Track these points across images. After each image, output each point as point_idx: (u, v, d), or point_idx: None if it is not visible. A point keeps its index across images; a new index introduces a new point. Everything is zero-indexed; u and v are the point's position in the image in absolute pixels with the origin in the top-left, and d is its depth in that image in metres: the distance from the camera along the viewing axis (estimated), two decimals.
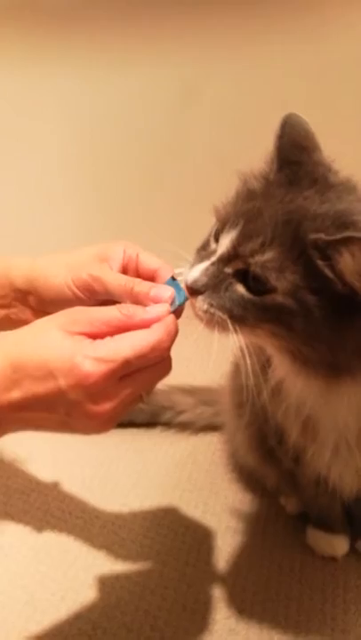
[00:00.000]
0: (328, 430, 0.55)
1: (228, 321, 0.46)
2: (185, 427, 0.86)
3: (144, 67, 1.07)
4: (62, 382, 0.42)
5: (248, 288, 0.46)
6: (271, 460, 0.67)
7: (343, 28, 1.01)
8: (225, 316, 0.46)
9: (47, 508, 0.72)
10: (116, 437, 0.86)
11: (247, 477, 0.76)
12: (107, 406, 0.43)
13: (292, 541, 0.68)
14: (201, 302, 0.47)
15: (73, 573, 0.64)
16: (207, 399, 0.85)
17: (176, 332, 0.46)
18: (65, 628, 0.58)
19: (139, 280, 0.49)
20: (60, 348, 0.42)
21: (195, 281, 0.47)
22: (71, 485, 0.76)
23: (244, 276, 0.46)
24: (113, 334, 0.44)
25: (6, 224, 1.15)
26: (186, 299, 0.48)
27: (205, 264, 0.48)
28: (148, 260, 0.52)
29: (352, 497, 0.62)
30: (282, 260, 0.44)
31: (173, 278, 0.50)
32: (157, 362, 0.45)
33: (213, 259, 0.48)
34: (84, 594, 0.61)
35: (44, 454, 0.81)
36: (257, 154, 0.52)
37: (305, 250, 0.44)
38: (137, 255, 0.52)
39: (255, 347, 0.50)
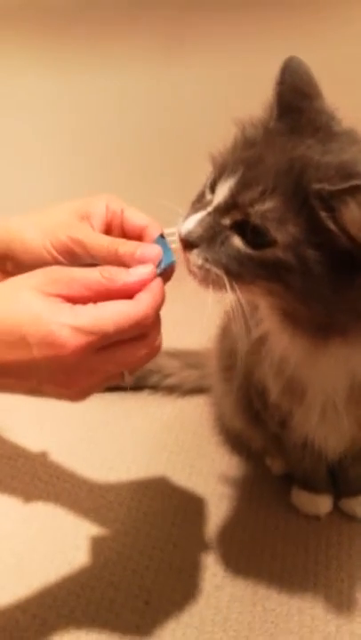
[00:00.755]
0: (315, 392, 0.54)
1: (225, 278, 0.43)
2: (172, 390, 0.85)
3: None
4: (35, 351, 0.39)
5: (246, 241, 0.43)
6: (257, 424, 0.67)
7: (342, 26, 0.99)
8: (221, 272, 0.43)
9: (34, 472, 0.73)
10: (103, 401, 0.86)
11: (233, 440, 0.77)
12: (81, 379, 0.41)
13: (276, 501, 0.69)
14: (195, 257, 0.44)
15: (61, 536, 0.65)
16: (194, 362, 0.85)
17: (162, 302, 0.43)
18: (54, 589, 0.59)
19: (123, 240, 0.45)
20: (36, 311, 0.39)
21: (189, 233, 0.44)
22: (58, 450, 0.76)
23: (241, 228, 0.43)
24: (93, 299, 0.41)
25: None
26: (174, 260, 0.44)
27: (201, 214, 0.45)
28: (135, 217, 0.48)
29: (336, 458, 0.63)
30: (283, 211, 0.42)
31: (162, 236, 0.46)
32: (139, 336, 0.41)
33: (209, 209, 0.45)
34: (73, 555, 0.62)
35: (30, 419, 0.81)
36: (255, 102, 0.49)
37: (307, 201, 0.41)
38: (122, 211, 0.48)
39: (249, 305, 0.47)
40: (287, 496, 0.69)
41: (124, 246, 0.44)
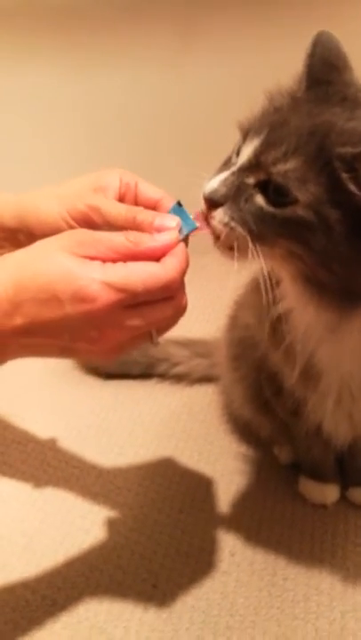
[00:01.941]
0: (331, 377, 0.54)
1: (248, 237, 0.44)
2: (180, 378, 0.86)
3: None
4: (68, 307, 0.39)
5: (268, 200, 0.44)
6: (266, 412, 0.67)
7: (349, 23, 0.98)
8: (245, 232, 0.44)
9: (44, 457, 0.74)
10: (112, 389, 0.87)
11: (242, 428, 0.77)
12: (111, 335, 0.42)
13: (284, 490, 0.70)
14: (222, 214, 0.44)
15: (70, 520, 0.66)
16: (202, 351, 0.85)
17: (187, 266, 0.43)
18: (63, 570, 0.60)
19: (141, 208, 0.46)
20: (66, 268, 0.40)
21: (214, 191, 0.44)
22: (68, 435, 0.77)
23: (265, 187, 0.44)
24: (118, 261, 0.41)
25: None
26: (194, 227, 0.45)
27: (225, 174, 0.45)
28: (149, 190, 0.49)
29: (345, 446, 0.63)
30: (305, 171, 0.42)
31: (180, 204, 0.47)
32: (167, 297, 0.42)
33: (233, 169, 0.45)
34: (82, 539, 0.63)
35: (41, 405, 0.82)
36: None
37: (329, 162, 0.42)
38: (135, 184, 0.49)
39: (273, 273, 0.47)
40: (294, 485, 0.70)
41: (142, 214, 0.45)
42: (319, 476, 0.68)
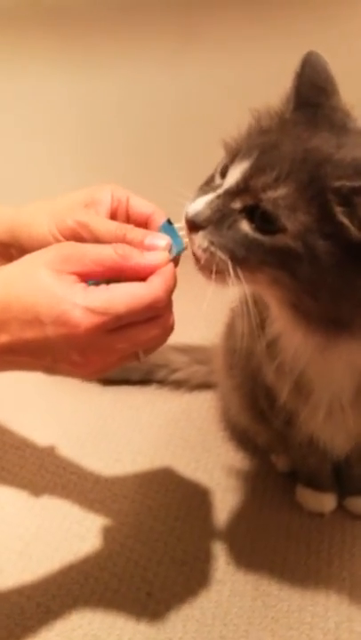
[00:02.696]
0: (322, 392, 0.54)
1: (229, 263, 0.43)
2: (179, 385, 0.86)
3: None
4: (50, 330, 0.40)
5: (254, 226, 0.43)
6: (263, 421, 0.67)
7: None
8: (225, 257, 0.43)
9: (42, 462, 0.74)
10: (111, 394, 0.87)
11: (239, 436, 0.77)
12: (94, 358, 0.42)
13: (280, 498, 0.70)
14: (201, 239, 0.43)
15: (67, 526, 0.66)
16: (201, 358, 0.85)
17: (174, 286, 0.43)
18: (58, 577, 0.60)
19: (131, 226, 0.45)
20: (50, 291, 0.40)
21: (196, 214, 0.43)
22: (66, 441, 0.77)
23: (251, 212, 0.43)
24: (105, 275, 0.42)
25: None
26: (184, 248, 0.45)
27: (210, 196, 0.44)
28: (140, 205, 0.48)
29: (342, 456, 0.63)
30: (295, 199, 0.41)
31: (170, 223, 0.46)
32: (152, 317, 0.42)
33: (220, 191, 0.44)
34: (77, 546, 0.64)
35: (39, 410, 0.82)
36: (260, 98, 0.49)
37: (321, 193, 0.41)
38: (127, 199, 0.49)
39: (255, 297, 0.47)
40: (291, 493, 0.69)
41: (132, 232, 0.45)
42: (316, 484, 0.68)
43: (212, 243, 0.43)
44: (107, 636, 0.55)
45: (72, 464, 0.74)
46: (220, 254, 0.43)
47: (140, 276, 0.42)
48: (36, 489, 0.71)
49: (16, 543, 0.64)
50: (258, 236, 0.43)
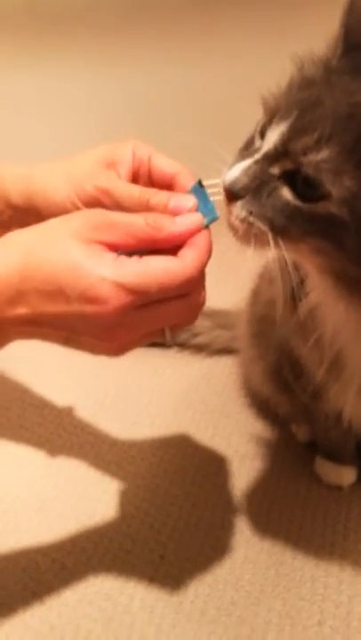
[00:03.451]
0: (356, 368, 0.51)
1: (270, 234, 0.40)
2: (200, 349, 0.84)
3: None
4: (74, 305, 0.37)
5: (296, 193, 0.39)
6: (285, 391, 0.65)
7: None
8: (265, 228, 0.39)
9: (60, 422, 0.74)
10: (132, 356, 0.84)
11: (260, 403, 0.75)
12: (120, 335, 0.39)
13: (299, 468, 0.68)
14: (239, 209, 0.40)
15: (83, 486, 0.66)
16: (224, 322, 0.83)
17: (209, 258, 0.40)
18: (73, 535, 0.61)
19: (155, 190, 0.42)
20: (76, 262, 0.37)
21: (233, 182, 0.40)
22: (85, 402, 0.77)
23: (292, 178, 0.39)
24: (137, 247, 0.39)
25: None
26: (215, 217, 0.41)
27: (247, 162, 0.40)
28: (164, 164, 0.45)
29: None
30: (340, 162, 0.37)
31: (201, 185, 0.43)
32: (183, 294, 0.40)
33: (257, 156, 0.40)
34: (93, 506, 0.64)
35: (59, 370, 0.82)
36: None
37: None
38: (149, 158, 0.45)
39: (293, 266, 0.43)
40: (310, 464, 0.68)
41: (156, 197, 0.42)
42: (337, 457, 0.66)
43: (250, 213, 0.40)
44: (118, 595, 0.56)
45: (90, 425, 0.74)
46: (260, 224, 0.40)
47: (175, 243, 0.39)
48: (53, 448, 0.71)
49: (33, 500, 0.65)
50: (300, 203, 0.39)
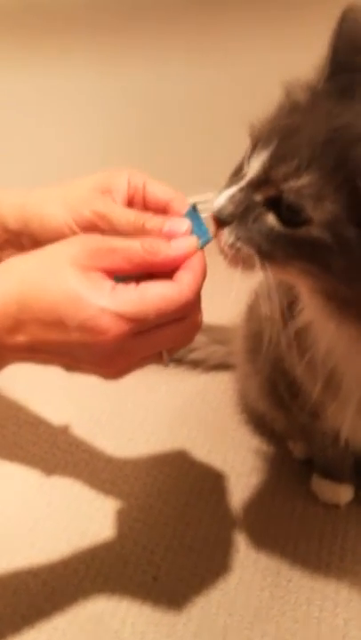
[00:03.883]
0: (352, 387, 0.50)
1: (256, 257, 0.40)
2: (196, 364, 0.84)
3: None
4: (74, 334, 0.37)
5: (280, 219, 0.40)
6: (281, 407, 0.64)
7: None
8: (252, 252, 0.40)
9: (54, 440, 0.74)
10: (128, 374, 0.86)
11: (256, 420, 0.75)
12: (119, 361, 0.40)
13: (295, 486, 0.67)
14: (228, 235, 0.41)
15: (76, 505, 0.66)
16: (221, 338, 0.82)
17: (204, 279, 0.40)
18: (65, 556, 0.60)
19: (150, 215, 0.43)
20: (75, 292, 0.37)
21: (220, 209, 0.41)
22: (80, 419, 0.77)
23: (275, 204, 0.40)
24: (134, 271, 0.39)
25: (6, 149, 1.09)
26: (211, 237, 0.42)
27: (233, 189, 0.41)
28: (158, 191, 0.46)
29: None
30: (321, 186, 0.38)
31: (195, 209, 0.43)
32: (180, 318, 0.40)
33: (242, 184, 0.41)
34: (86, 526, 0.63)
35: (54, 387, 0.81)
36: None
37: (352, 176, 0.37)
38: (144, 185, 0.46)
39: (283, 286, 0.45)
40: (307, 481, 0.67)
41: (151, 221, 0.42)
42: (334, 475, 0.65)
43: (238, 238, 0.41)
44: (110, 619, 0.55)
45: (85, 442, 0.73)
46: (247, 249, 0.40)
47: (172, 267, 0.40)
48: (47, 466, 0.71)
49: (26, 520, 0.64)
50: (284, 229, 0.39)
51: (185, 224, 0.42)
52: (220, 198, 0.42)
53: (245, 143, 0.44)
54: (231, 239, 0.41)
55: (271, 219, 0.40)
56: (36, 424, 0.76)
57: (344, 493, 0.65)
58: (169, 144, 1.12)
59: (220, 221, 0.41)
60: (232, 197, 0.41)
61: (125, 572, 0.59)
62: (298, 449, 0.71)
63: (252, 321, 0.66)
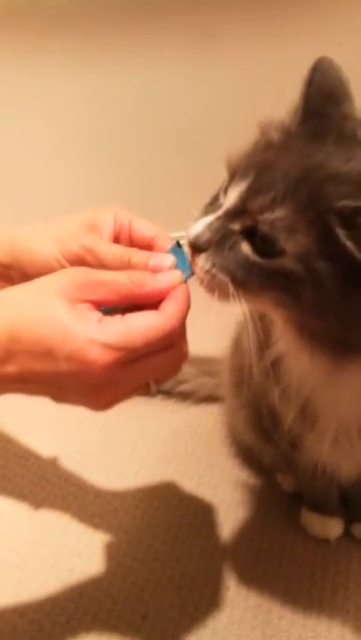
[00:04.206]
0: (328, 418, 0.51)
1: (230, 285, 0.42)
2: (186, 396, 0.84)
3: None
4: (63, 365, 0.38)
5: (255, 249, 0.41)
6: (268, 440, 0.65)
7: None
8: (226, 279, 0.42)
9: (43, 473, 0.73)
10: (116, 405, 0.86)
11: (245, 452, 0.75)
12: (107, 392, 0.41)
13: (285, 520, 0.67)
14: (204, 261, 0.42)
15: (64, 541, 0.65)
16: (210, 370, 0.83)
17: (188, 309, 0.42)
18: (53, 595, 0.59)
19: (135, 250, 0.45)
20: (63, 324, 0.38)
21: (197, 236, 0.42)
22: (69, 452, 0.76)
23: (251, 234, 0.42)
24: (120, 303, 0.41)
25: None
26: (190, 274, 0.44)
27: (210, 218, 0.43)
28: (143, 228, 0.47)
29: (350, 482, 0.60)
30: (294, 220, 0.39)
31: (179, 245, 0.45)
32: (166, 347, 0.41)
33: (219, 212, 0.43)
34: (74, 562, 0.62)
35: (43, 420, 0.80)
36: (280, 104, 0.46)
37: (322, 214, 0.39)
38: (129, 222, 0.48)
39: (261, 317, 0.45)
40: (296, 515, 0.67)
41: (137, 256, 0.44)
42: (322, 508, 0.65)
43: (213, 265, 0.42)
44: None
45: (73, 476, 0.73)
46: (221, 276, 0.42)
47: (157, 299, 0.41)
48: (36, 500, 0.70)
49: (12, 556, 0.63)
50: (258, 258, 0.41)
51: (169, 259, 0.43)
52: (197, 226, 0.43)
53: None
54: (207, 265, 0.42)
55: (246, 248, 0.42)
56: (25, 457, 0.75)
57: (333, 528, 0.65)
58: (166, 143, 1.12)
59: (197, 248, 0.43)
60: (210, 225, 0.43)
61: (114, 611, 0.58)
62: (287, 482, 0.71)
63: (237, 354, 0.67)
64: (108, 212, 0.48)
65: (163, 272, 0.42)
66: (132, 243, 0.47)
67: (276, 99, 0.45)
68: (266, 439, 0.64)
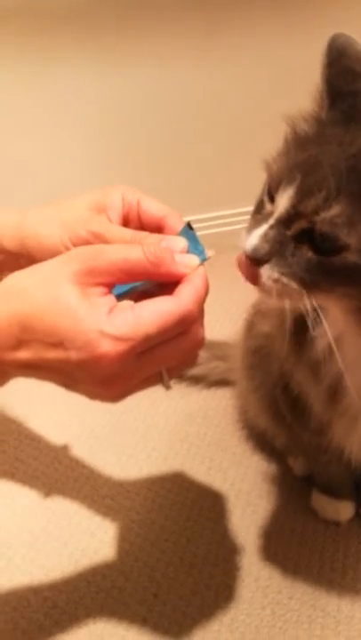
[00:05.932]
0: None
1: (303, 290, 0.41)
2: (197, 380, 0.84)
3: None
4: (74, 356, 0.37)
5: (316, 249, 0.41)
6: (281, 423, 0.65)
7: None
8: (298, 286, 0.41)
9: (56, 455, 0.74)
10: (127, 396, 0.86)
11: (256, 436, 0.75)
12: (119, 383, 0.40)
13: (295, 503, 0.68)
14: (270, 271, 0.41)
15: (77, 521, 0.66)
16: (222, 354, 0.83)
17: (206, 294, 0.40)
18: (65, 572, 0.60)
19: (146, 233, 0.43)
20: (74, 315, 0.37)
21: (255, 249, 0.41)
22: (81, 434, 0.77)
23: (309, 235, 0.41)
24: (134, 281, 0.39)
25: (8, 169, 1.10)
26: (207, 257, 0.42)
27: (263, 228, 0.42)
28: (152, 207, 0.46)
29: None
30: (351, 213, 0.39)
31: (190, 227, 0.44)
32: (181, 332, 0.39)
33: (271, 221, 0.42)
34: (86, 541, 0.63)
35: (55, 402, 0.81)
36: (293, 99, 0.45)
37: None
38: (138, 202, 0.46)
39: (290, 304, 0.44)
40: (307, 498, 0.67)
41: (148, 239, 0.43)
42: (334, 491, 0.65)
43: (281, 273, 0.41)
44: (110, 636, 0.55)
45: (85, 458, 0.74)
46: (293, 284, 0.41)
47: (171, 281, 0.40)
48: (48, 481, 0.71)
49: (26, 536, 0.64)
50: (322, 258, 0.40)
51: (182, 242, 0.42)
52: (251, 238, 0.42)
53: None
54: (275, 275, 0.41)
55: (308, 250, 0.41)
56: (37, 439, 0.76)
57: (344, 510, 0.65)
58: (165, 143, 1.12)
59: (257, 260, 0.42)
60: (265, 236, 0.42)
61: (126, 589, 0.59)
62: (298, 466, 0.71)
63: (251, 337, 0.66)
64: (115, 192, 0.46)
65: (182, 255, 0.41)
66: (141, 224, 0.46)
67: (282, 92, 0.44)
68: (279, 421, 0.64)
